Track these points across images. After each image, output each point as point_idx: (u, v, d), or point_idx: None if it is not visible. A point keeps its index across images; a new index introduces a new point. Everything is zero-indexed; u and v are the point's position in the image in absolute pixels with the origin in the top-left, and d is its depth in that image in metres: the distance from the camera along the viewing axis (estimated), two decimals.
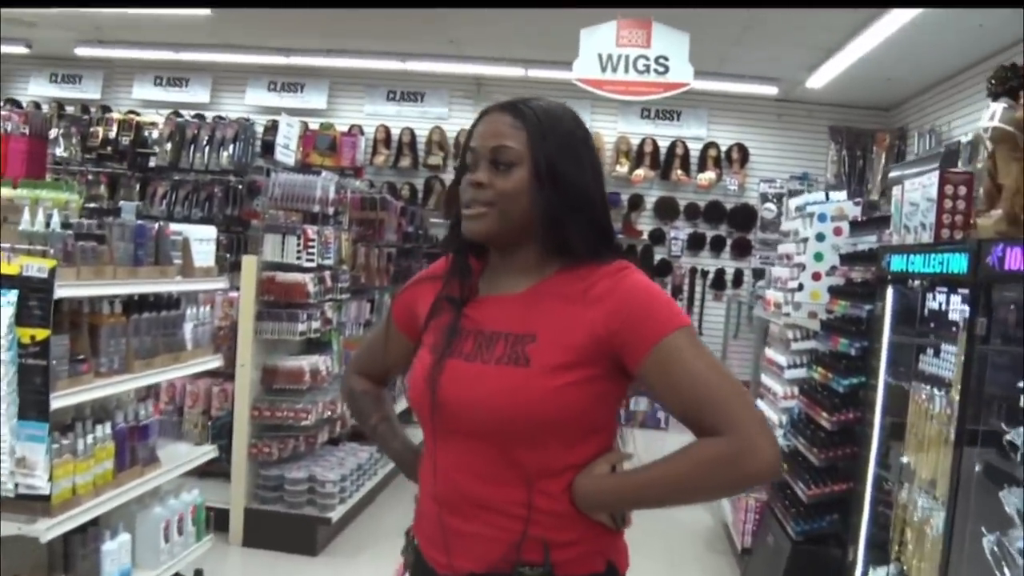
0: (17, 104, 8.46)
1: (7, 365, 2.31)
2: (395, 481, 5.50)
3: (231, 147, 5.08)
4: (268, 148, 5.22)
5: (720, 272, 8.94)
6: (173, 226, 3.14)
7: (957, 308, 2.79)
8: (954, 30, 5.71)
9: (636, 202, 8.90)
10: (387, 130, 9.14)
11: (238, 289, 4.54)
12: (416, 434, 1.56)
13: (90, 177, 5.66)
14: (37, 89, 9.56)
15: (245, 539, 4.51)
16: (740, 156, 8.88)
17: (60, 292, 2.41)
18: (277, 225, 4.68)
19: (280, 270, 4.57)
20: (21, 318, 2.36)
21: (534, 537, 1.37)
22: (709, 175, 8.83)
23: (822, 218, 4.37)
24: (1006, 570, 2.22)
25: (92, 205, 5.28)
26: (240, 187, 5.14)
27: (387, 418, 1.72)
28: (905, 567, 2.87)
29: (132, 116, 5.99)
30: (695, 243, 8.93)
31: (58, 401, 2.46)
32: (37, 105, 8.78)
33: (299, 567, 4.41)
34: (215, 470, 4.25)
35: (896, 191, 3.30)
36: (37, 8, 5.62)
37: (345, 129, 8.93)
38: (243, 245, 4.99)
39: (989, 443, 2.41)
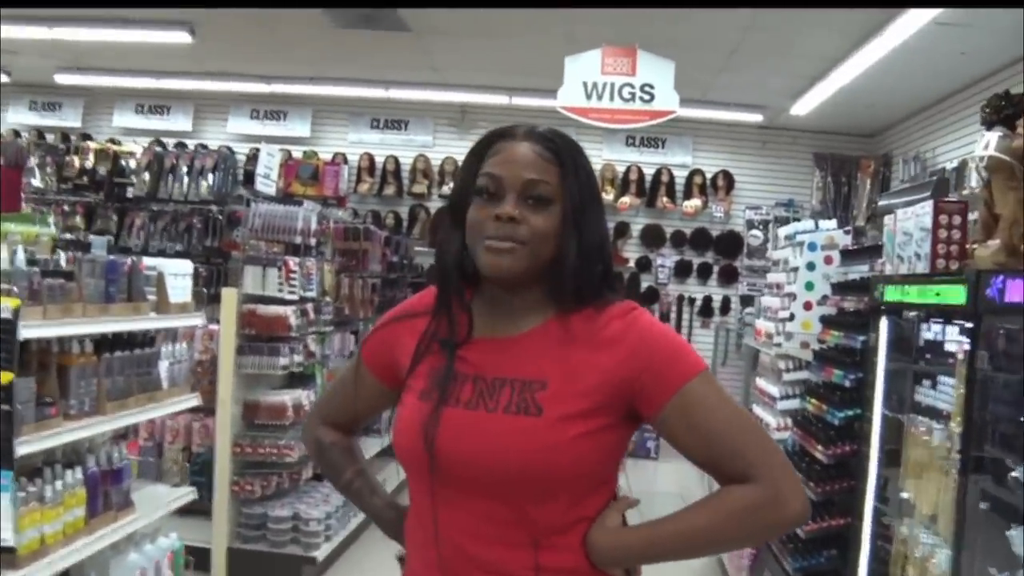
0: None
1: None
2: None
3: (210, 177, 5.00)
4: (250, 178, 5.14)
5: (707, 299, 8.91)
6: (147, 260, 3.05)
7: (953, 339, 2.74)
8: (936, 57, 5.72)
9: (622, 230, 8.87)
10: (371, 158, 9.09)
11: (218, 322, 4.43)
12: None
13: (66, 208, 5.56)
14: (16, 117, 9.45)
15: None
16: (726, 183, 8.88)
17: (25, 332, 2.30)
18: (258, 257, 4.58)
19: (261, 303, 4.47)
20: None
21: None
22: (695, 202, 8.82)
23: (812, 247, 4.33)
24: None
25: (68, 236, 5.18)
26: (220, 218, 5.04)
27: (362, 472, 1.57)
28: None
29: (109, 145, 5.91)
30: (682, 270, 8.90)
31: (23, 447, 2.34)
32: (17, 133, 8.69)
33: None
34: (196, 508, 4.10)
35: (888, 220, 3.26)
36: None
37: (329, 157, 8.87)
38: (223, 277, 4.88)
39: (992, 477, 2.35)
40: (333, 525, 4.72)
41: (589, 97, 5.96)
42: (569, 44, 5.94)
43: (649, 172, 8.94)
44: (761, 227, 8.75)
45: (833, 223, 4.71)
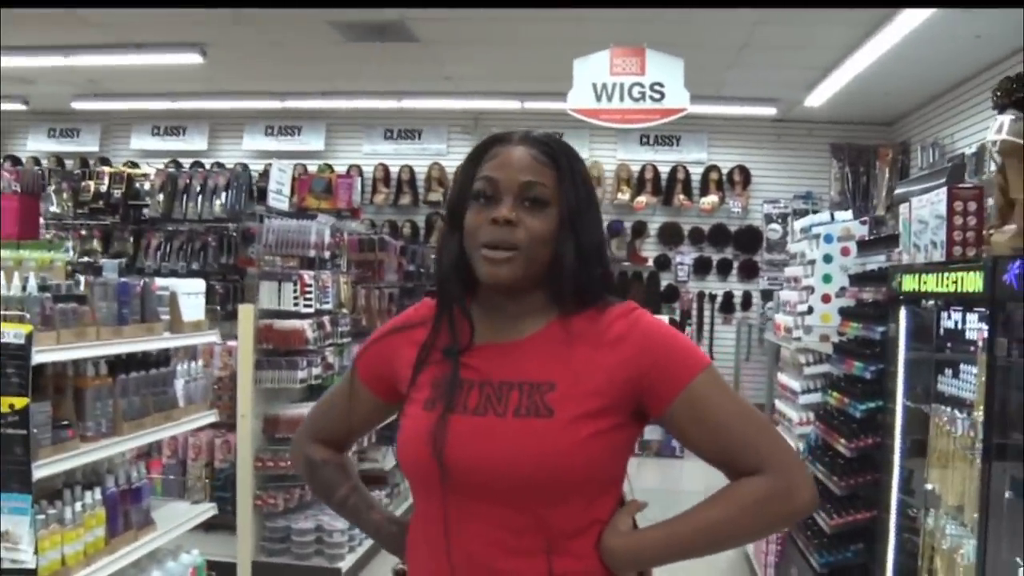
0: (17, 161, 8.46)
1: None
2: None
3: (224, 195, 5.02)
4: (264, 194, 5.16)
5: (728, 295, 8.84)
6: (160, 281, 3.07)
7: (973, 326, 2.69)
8: (951, 42, 5.64)
9: (640, 229, 8.84)
10: (386, 169, 9.13)
11: (236, 338, 4.46)
12: None
13: (84, 232, 5.62)
14: (36, 144, 9.61)
15: None
16: (742, 178, 8.81)
17: (39, 357, 2.32)
18: (273, 272, 4.61)
19: (277, 317, 4.50)
20: None
21: None
22: (712, 198, 8.76)
23: (828, 239, 4.27)
24: None
25: (86, 260, 5.23)
26: (235, 235, 5.07)
27: (357, 488, 1.53)
28: None
29: (123, 169, 5.98)
30: (701, 267, 8.84)
31: (41, 470, 2.36)
32: (36, 161, 8.80)
33: None
34: (220, 523, 4.15)
35: (903, 209, 3.21)
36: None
37: (344, 170, 8.91)
38: (240, 294, 4.92)
39: (1018, 464, 2.30)
40: (357, 536, 4.70)
41: (599, 98, 5.95)
42: (579, 46, 5.92)
43: (665, 170, 8.89)
44: (780, 221, 8.68)
45: (849, 214, 4.65)
